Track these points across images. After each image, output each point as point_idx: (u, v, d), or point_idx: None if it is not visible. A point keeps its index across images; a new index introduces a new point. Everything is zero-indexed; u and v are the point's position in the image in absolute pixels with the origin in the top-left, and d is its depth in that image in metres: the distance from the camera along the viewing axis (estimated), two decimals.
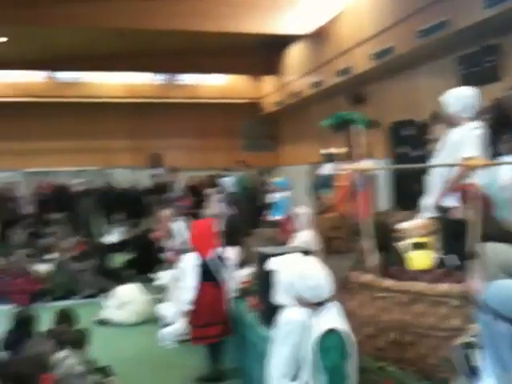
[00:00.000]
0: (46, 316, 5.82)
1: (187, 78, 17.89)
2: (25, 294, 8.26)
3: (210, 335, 5.74)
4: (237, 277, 6.29)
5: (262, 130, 18.19)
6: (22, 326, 5.50)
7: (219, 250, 5.92)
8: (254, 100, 17.89)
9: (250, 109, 17.71)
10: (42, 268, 9.59)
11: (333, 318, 2.96)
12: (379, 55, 9.82)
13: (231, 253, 6.34)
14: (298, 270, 3.14)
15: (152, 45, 14.40)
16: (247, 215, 10.83)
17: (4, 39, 13.73)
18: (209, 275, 5.79)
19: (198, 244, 5.91)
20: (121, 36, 13.34)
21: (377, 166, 8.48)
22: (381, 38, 9.79)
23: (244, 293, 6.03)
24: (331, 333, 2.86)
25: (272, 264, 4.37)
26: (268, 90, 17.26)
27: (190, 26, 12.26)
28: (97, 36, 13.71)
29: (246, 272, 6.46)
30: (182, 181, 14.98)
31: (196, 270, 5.78)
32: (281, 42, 14.79)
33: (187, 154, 17.81)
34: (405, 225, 4.65)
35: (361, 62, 10.60)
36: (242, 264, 6.81)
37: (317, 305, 3.04)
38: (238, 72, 17.16)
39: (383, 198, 9.57)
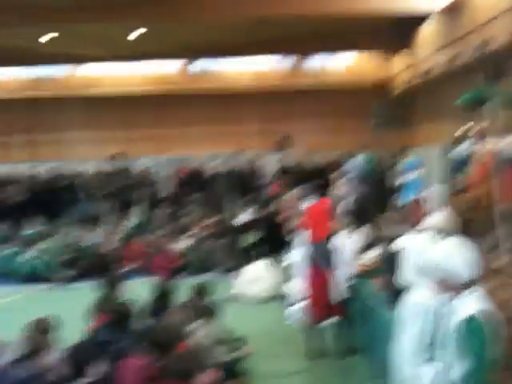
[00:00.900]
0: (183, 289, 6.20)
1: (315, 61, 17.84)
2: (165, 269, 8.86)
3: (322, 315, 5.76)
4: (362, 260, 6.22)
5: (392, 110, 17.59)
6: (163, 298, 5.93)
7: (335, 234, 5.90)
8: (383, 80, 17.38)
9: (380, 89, 17.22)
10: (181, 245, 10.22)
11: (478, 301, 2.80)
12: None
13: (358, 235, 6.27)
14: (443, 251, 2.99)
15: (285, 30, 14.54)
16: (376, 197, 10.60)
17: (143, 30, 14.67)
18: (321, 258, 5.81)
19: (311, 228, 5.95)
20: (260, 23, 13.64)
21: None
22: None
23: (370, 274, 5.95)
24: (476, 317, 2.72)
25: (400, 245, 4.25)
26: (398, 69, 16.64)
27: (323, 8, 12.21)
28: (231, 25, 14.17)
29: (374, 254, 6.35)
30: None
31: (310, 252, 5.83)
32: (412, 20, 14.16)
33: (317, 136, 17.82)
34: None
35: (500, 34, 9.80)
36: (370, 246, 6.69)
37: (460, 288, 2.89)
38: (369, 50, 16.82)
39: None
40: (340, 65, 17.73)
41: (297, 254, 7.88)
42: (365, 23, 13.92)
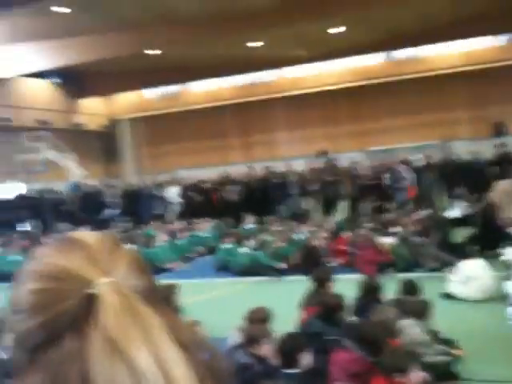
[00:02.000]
0: (390, 286, 6.11)
1: None
2: (372, 265, 8.80)
3: None
4: None
5: None
6: (369, 294, 5.92)
7: None
8: None
9: None
10: (388, 240, 10.05)
11: None
12: None
13: None
14: None
15: (492, 6, 13.39)
16: None
17: (342, 28, 14.79)
18: None
19: None
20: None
21: None
22: None
23: None
24: None
25: None
26: None
27: None
28: (432, 7, 13.51)
29: None
30: None
31: None
32: None
33: None
34: None
35: None
36: None
37: None
38: None
39: None
40: None
41: None
42: None
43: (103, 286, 0.67)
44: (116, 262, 0.71)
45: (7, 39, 14.30)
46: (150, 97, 22.16)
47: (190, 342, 0.70)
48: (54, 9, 12.95)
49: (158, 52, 16.40)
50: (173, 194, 16.30)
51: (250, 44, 15.94)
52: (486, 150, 15.30)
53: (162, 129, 21.43)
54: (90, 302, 0.66)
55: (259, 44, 16.01)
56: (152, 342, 0.64)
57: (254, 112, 20.06)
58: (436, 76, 17.08)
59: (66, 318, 0.66)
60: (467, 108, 17.02)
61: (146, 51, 16.22)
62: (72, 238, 0.75)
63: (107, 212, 16.03)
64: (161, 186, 17.06)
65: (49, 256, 0.73)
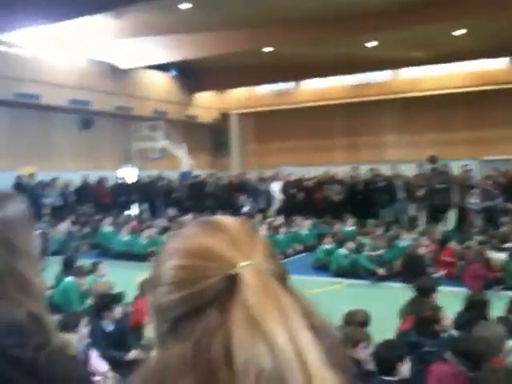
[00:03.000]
0: (498, 303, 5.81)
1: None
2: (479, 280, 8.39)
3: None
4: None
5: None
6: (474, 309, 5.67)
7: None
8: None
9: None
10: (499, 256, 9.52)
11: None
12: None
13: None
14: None
15: None
16: None
17: (463, 31, 14.13)
18: None
19: None
20: None
21: None
22: None
23: None
24: None
25: None
26: None
27: None
28: None
29: None
30: None
31: None
32: None
33: None
34: None
35: None
36: None
37: None
38: None
39: None
40: None
41: None
42: None
43: (245, 267, 0.72)
44: (255, 247, 0.77)
45: (131, 33, 15.24)
46: (262, 93, 22.57)
47: (320, 327, 0.75)
48: (177, 5, 13.60)
49: (272, 49, 16.67)
50: (276, 189, 16.52)
51: (366, 44, 15.72)
52: None
53: (270, 125, 21.75)
54: (232, 282, 0.72)
55: (375, 44, 15.74)
56: (288, 323, 0.69)
57: (363, 113, 19.76)
58: None
59: (209, 294, 0.72)
60: None
61: (262, 49, 16.55)
62: (215, 221, 0.82)
63: (209, 203, 16.63)
64: (264, 180, 17.35)
65: (194, 236, 0.79)
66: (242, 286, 0.71)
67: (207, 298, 0.72)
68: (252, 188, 17.08)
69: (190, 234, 0.80)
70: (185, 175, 18.71)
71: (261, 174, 17.95)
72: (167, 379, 0.71)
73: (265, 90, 22.29)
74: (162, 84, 20.63)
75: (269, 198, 16.50)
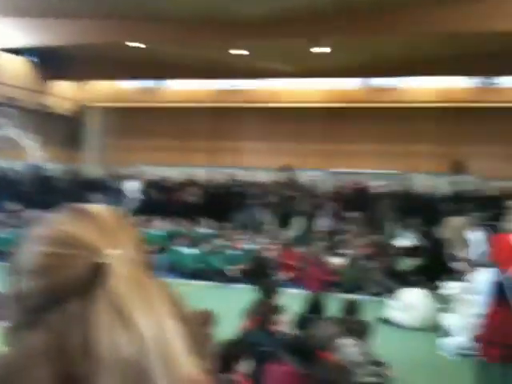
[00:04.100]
0: (334, 305, 6.25)
1: (505, 82, 16.66)
2: (318, 282, 8.95)
3: (494, 355, 5.33)
4: None
5: None
6: (313, 310, 6.04)
7: None
8: None
9: None
10: (336, 261, 10.25)
11: None
12: None
13: None
14: None
15: (472, 47, 13.87)
16: None
17: (328, 50, 15.03)
18: (504, 294, 5.37)
19: (499, 260, 5.54)
20: (450, 39, 13.24)
21: None
22: None
23: None
24: None
25: None
26: None
27: None
28: (415, 41, 13.90)
29: None
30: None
31: (492, 287, 5.44)
32: None
33: (496, 161, 16.52)
34: None
35: None
36: None
37: None
38: None
39: None
40: None
41: (460, 285, 7.49)
42: None
43: (112, 256, 0.70)
44: (123, 236, 0.75)
45: None
46: (126, 88, 21.93)
47: (186, 317, 0.75)
48: None
49: (139, 45, 16.30)
50: (132, 188, 16.15)
51: (233, 51, 16.03)
52: (442, 185, 15.80)
53: (132, 122, 21.20)
54: (98, 271, 0.69)
55: (242, 52, 16.12)
56: (154, 313, 0.69)
57: (226, 118, 20.10)
58: (409, 108, 17.55)
59: (73, 283, 0.69)
60: (432, 143, 17.51)
61: (127, 43, 16.10)
62: (84, 208, 0.79)
63: (58, 198, 15.72)
64: (119, 178, 16.88)
65: (61, 223, 0.75)
66: (108, 275, 0.69)
67: (70, 288, 0.69)
68: (106, 185, 16.53)
69: (56, 221, 0.76)
70: (32, 168, 17.50)
71: (118, 172, 17.41)
72: (21, 372, 0.67)
73: (130, 85, 21.70)
74: (15, 68, 19.11)
75: (123, 196, 16.06)
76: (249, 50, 15.92)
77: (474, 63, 14.84)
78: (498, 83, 16.82)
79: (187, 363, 0.69)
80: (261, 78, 18.87)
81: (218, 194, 15.54)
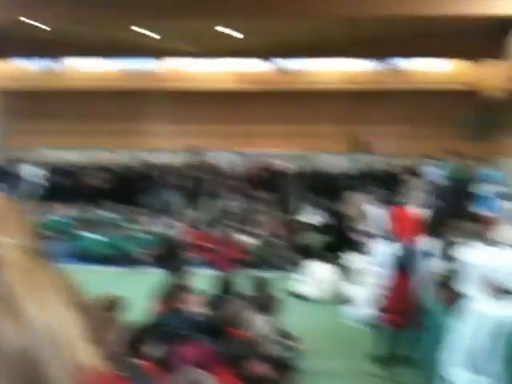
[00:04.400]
0: (245, 283, 6.34)
1: (404, 64, 17.50)
2: (230, 262, 9.04)
3: (394, 322, 5.69)
4: (433, 268, 6.08)
5: (482, 118, 16.90)
6: (225, 289, 6.09)
7: (419, 240, 5.79)
8: (472, 86, 16.69)
9: (468, 96, 16.56)
10: (247, 241, 10.40)
11: None
12: None
13: (431, 244, 6.15)
14: (505, 258, 2.97)
15: (376, 31, 14.39)
16: (452, 207, 10.27)
17: (240, 36, 14.99)
18: (402, 264, 5.72)
19: (397, 232, 5.88)
20: (353, 24, 13.61)
21: None
22: None
23: (437, 284, 5.82)
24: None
25: (463, 254, 4.15)
26: (490, 76, 15.94)
27: (417, 11, 12.04)
28: (322, 24, 14.19)
29: (444, 264, 6.19)
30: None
31: (392, 258, 5.77)
32: (507, 24, 13.54)
33: (394, 140, 17.47)
34: None
35: None
36: (441, 256, 6.54)
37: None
38: (460, 56, 16.25)
39: None
40: (428, 69, 17.26)
41: (362, 257, 7.88)
42: (458, 28, 13.50)
43: (3, 245, 0.67)
44: (15, 224, 0.72)
45: None
46: (26, 69, 20.61)
47: (81, 304, 0.73)
48: None
49: (37, 24, 15.35)
50: (32, 173, 15.35)
51: (137, 30, 15.52)
52: (346, 163, 16.45)
53: (34, 105, 20.00)
54: None
55: (147, 32, 15.66)
56: (46, 301, 0.67)
57: (133, 99, 19.54)
58: (315, 90, 17.98)
59: None
60: (337, 124, 18.10)
61: (24, 19, 15.09)
62: None
63: None
64: (18, 163, 15.99)
65: None
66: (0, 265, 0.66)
67: None
68: (3, 171, 15.59)
69: None
70: None
71: (18, 157, 16.46)
72: None
73: (31, 66, 20.40)
74: None
75: (22, 182, 15.23)
76: (154, 30, 15.52)
77: (375, 46, 15.44)
78: (398, 66, 17.62)
79: (83, 351, 0.68)
80: (168, 57, 18.50)
81: (127, 178, 15.17)
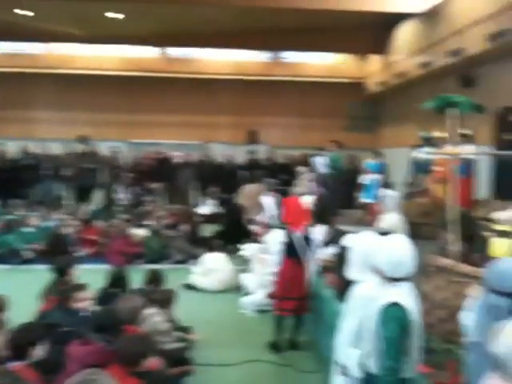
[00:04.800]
0: (138, 276, 6.20)
1: (293, 57, 17.96)
2: (121, 256, 8.79)
3: (287, 308, 5.87)
4: (321, 255, 6.33)
5: (365, 110, 17.84)
6: (116, 284, 5.91)
7: (307, 228, 5.98)
8: (357, 80, 17.55)
9: (353, 89, 17.41)
10: (140, 232, 10.17)
11: (400, 294, 2.93)
12: (495, 37, 9.22)
13: (319, 232, 6.37)
14: (383, 244, 3.13)
15: (263, 23, 14.56)
16: (338, 196, 10.77)
17: (121, 16, 14.47)
18: (293, 252, 5.89)
19: (289, 220, 6.03)
20: (240, 14, 13.64)
21: (477, 152, 8.05)
22: (498, 19, 9.18)
23: (325, 270, 6.08)
24: (394, 306, 2.85)
25: (347, 240, 4.36)
26: (373, 70, 16.85)
27: (306, 4, 12.32)
28: (210, 14, 14.09)
29: (331, 251, 6.46)
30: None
31: (282, 246, 5.92)
32: (390, 21, 14.37)
33: (286, 131, 17.95)
34: (500, 215, 4.43)
35: (474, 43, 10.01)
36: (328, 243, 6.82)
37: (392, 280, 3.00)
38: (345, 51, 16.97)
39: (483, 186, 9.08)
40: (317, 61, 17.88)
41: (256, 246, 8.03)
42: (342, 22, 14.06)
43: None
44: None
45: None
46: None
47: None
48: None
49: None
50: None
51: (17, 11, 14.47)
52: (239, 154, 16.63)
53: None
54: None
55: (28, 13, 14.64)
56: None
57: (13, 85, 18.24)
58: (207, 79, 17.89)
59: None
60: (230, 114, 18.19)
61: None
62: None
63: None
64: None
65: None
66: None
67: None
68: None
69: None
70: None
71: None
72: None
73: None
74: None
75: None
76: (34, 11, 14.56)
77: (263, 38, 15.67)
78: (286, 58, 18.05)
79: None
80: (50, 41, 17.45)
81: (7, 168, 14.18)
